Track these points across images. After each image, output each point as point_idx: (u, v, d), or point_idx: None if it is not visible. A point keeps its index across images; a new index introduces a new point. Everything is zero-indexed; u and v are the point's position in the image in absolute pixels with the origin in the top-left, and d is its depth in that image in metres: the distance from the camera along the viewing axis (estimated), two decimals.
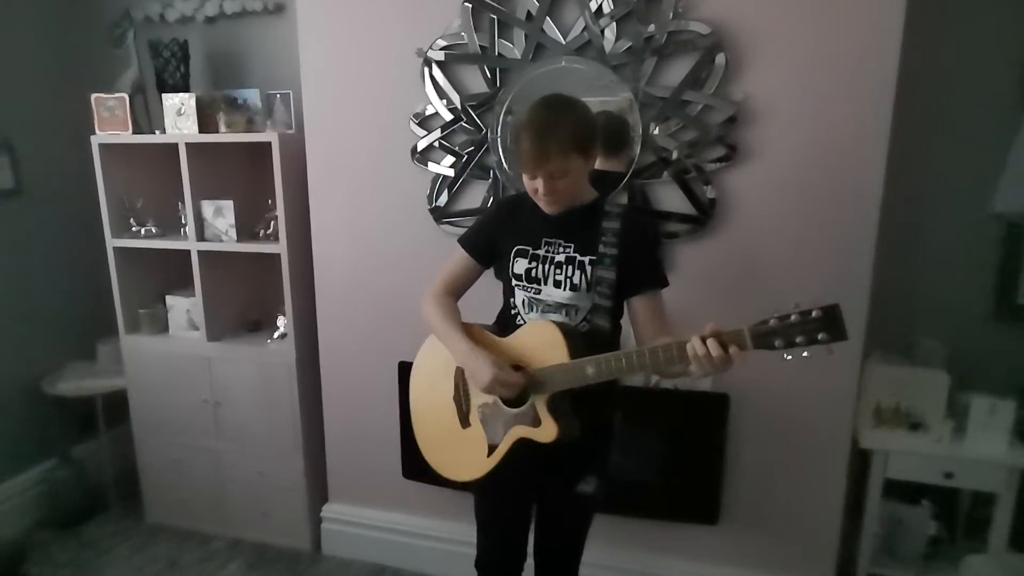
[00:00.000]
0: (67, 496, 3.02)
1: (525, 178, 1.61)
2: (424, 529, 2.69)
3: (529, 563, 1.90)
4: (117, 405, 2.99)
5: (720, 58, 2.04)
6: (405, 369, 2.48)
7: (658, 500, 2.37)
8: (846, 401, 2.18)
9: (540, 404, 1.63)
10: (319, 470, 2.82)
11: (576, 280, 1.65)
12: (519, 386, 1.62)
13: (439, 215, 2.41)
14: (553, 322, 1.63)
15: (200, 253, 2.69)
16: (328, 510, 2.84)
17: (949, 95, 2.29)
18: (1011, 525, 2.21)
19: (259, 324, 2.92)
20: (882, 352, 2.37)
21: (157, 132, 2.70)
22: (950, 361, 2.30)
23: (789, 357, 1.36)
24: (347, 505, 2.81)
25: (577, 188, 1.63)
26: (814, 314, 1.32)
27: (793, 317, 1.34)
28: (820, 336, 1.32)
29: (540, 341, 1.63)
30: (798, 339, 1.33)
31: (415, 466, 2.57)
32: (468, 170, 2.34)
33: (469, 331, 1.74)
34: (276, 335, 2.77)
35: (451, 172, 2.36)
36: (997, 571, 2.11)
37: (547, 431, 1.63)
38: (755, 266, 2.17)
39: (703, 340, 1.40)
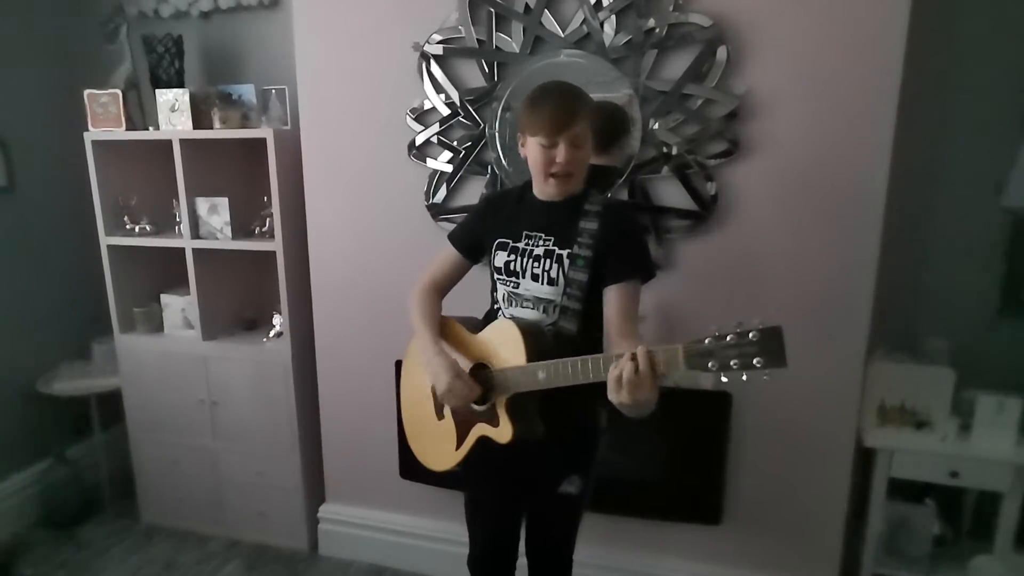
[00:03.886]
0: (62, 497, 2.99)
1: (538, 152, 1.55)
2: (422, 529, 2.66)
3: (523, 562, 1.88)
4: (112, 405, 2.96)
5: (721, 51, 2.01)
6: (402, 367, 2.48)
7: (660, 500, 2.34)
8: (850, 399, 2.15)
9: (500, 404, 1.61)
10: (316, 470, 2.79)
11: (553, 274, 1.61)
12: (470, 399, 1.61)
13: (436, 211, 2.38)
14: (515, 322, 1.60)
15: (195, 251, 2.66)
16: (325, 510, 2.82)
17: (955, 89, 2.25)
18: (1017, 525, 2.18)
19: (255, 323, 2.89)
20: (886, 349, 2.34)
21: (151, 128, 2.67)
22: (955, 358, 2.27)
23: (726, 380, 1.27)
24: (344, 505, 2.79)
25: (585, 169, 1.61)
26: (751, 336, 1.23)
27: (730, 337, 1.25)
28: (756, 361, 1.22)
29: (501, 340, 1.61)
30: (733, 362, 1.25)
31: (412, 466, 2.52)
32: (466, 166, 2.31)
33: (445, 326, 1.73)
34: (272, 334, 2.74)
35: (448, 168, 2.33)
36: (1005, 572, 2.08)
37: (503, 432, 1.61)
38: (757, 262, 2.14)
39: (633, 357, 1.33)
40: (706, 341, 1.28)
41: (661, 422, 2.24)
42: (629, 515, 2.36)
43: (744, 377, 1.25)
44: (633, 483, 2.29)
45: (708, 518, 2.31)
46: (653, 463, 2.32)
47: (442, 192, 2.36)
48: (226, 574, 2.71)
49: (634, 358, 1.34)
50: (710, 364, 1.27)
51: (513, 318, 1.66)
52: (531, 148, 1.58)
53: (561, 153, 1.53)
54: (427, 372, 1.67)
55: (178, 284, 2.84)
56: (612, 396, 1.38)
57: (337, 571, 2.73)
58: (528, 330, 1.58)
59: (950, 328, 2.34)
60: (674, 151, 2.11)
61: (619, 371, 1.35)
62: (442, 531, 2.60)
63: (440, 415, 1.78)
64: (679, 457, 2.30)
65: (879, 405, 2.27)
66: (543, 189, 1.64)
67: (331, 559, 2.79)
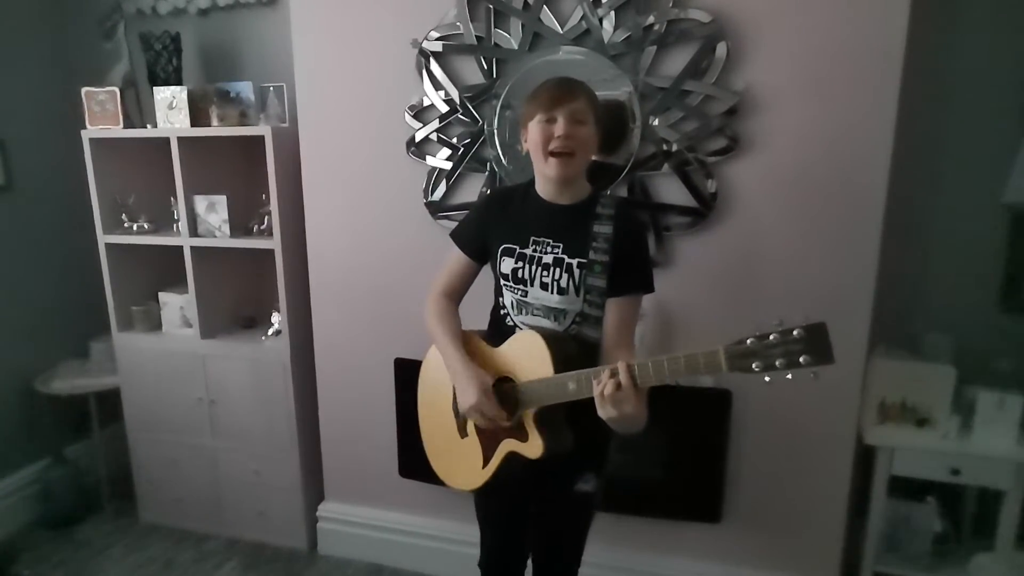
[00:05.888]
0: (60, 496, 2.98)
1: (537, 131, 1.53)
2: (421, 528, 2.65)
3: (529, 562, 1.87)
4: (111, 404, 2.96)
5: (721, 47, 2.00)
6: (401, 366, 2.47)
7: (660, 499, 2.33)
8: (850, 396, 2.14)
9: (528, 418, 1.57)
10: (315, 469, 2.79)
11: (563, 284, 1.58)
12: (496, 421, 1.57)
13: (435, 209, 2.37)
14: (540, 333, 1.56)
15: (193, 249, 2.65)
16: (324, 509, 2.81)
17: (956, 86, 2.24)
18: (1019, 522, 2.17)
19: (253, 321, 2.88)
20: (887, 346, 2.33)
21: (149, 126, 2.66)
22: (956, 355, 2.26)
23: (769, 380, 1.26)
24: (343, 504, 2.78)
25: (587, 152, 1.57)
26: (796, 333, 1.21)
27: (773, 336, 1.23)
28: (802, 359, 1.21)
29: (526, 352, 1.57)
30: (778, 362, 1.23)
31: (411, 464, 2.54)
32: (465, 163, 2.30)
33: (467, 341, 1.69)
34: (271, 332, 2.73)
35: (447, 165, 2.32)
36: (1006, 570, 2.07)
37: (534, 447, 1.57)
38: (758, 260, 2.13)
39: (613, 373, 1.36)
40: (748, 341, 1.26)
41: (661, 420, 2.26)
42: (629, 513, 2.35)
43: (789, 376, 1.23)
44: (633, 481, 2.27)
45: (708, 516, 2.30)
46: (653, 461, 2.30)
47: (441, 189, 2.35)
48: (225, 573, 2.70)
49: (614, 374, 1.37)
50: (754, 365, 1.25)
51: (537, 328, 1.60)
52: (531, 132, 1.55)
53: (560, 127, 1.50)
54: (456, 389, 1.63)
55: (176, 282, 2.83)
56: (600, 412, 1.40)
57: (336, 570, 2.72)
58: (554, 340, 1.55)
59: (951, 325, 2.33)
60: (674, 148, 2.10)
61: (602, 387, 1.38)
62: (442, 530, 2.60)
63: (463, 433, 1.73)
64: (679, 455, 2.29)
65: (880, 402, 2.26)
66: (544, 172, 1.58)
67: (330, 558, 2.79)
